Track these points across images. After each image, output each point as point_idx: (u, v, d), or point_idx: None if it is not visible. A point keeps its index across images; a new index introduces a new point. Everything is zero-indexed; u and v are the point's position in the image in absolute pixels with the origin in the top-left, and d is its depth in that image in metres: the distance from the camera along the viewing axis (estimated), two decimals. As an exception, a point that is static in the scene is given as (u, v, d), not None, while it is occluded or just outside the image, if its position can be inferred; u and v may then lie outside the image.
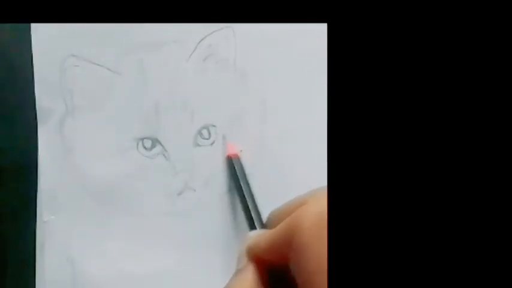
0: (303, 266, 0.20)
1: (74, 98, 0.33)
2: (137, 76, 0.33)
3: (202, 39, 0.34)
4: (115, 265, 0.32)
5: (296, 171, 0.34)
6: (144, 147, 0.33)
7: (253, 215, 0.29)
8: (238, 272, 0.24)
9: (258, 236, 0.24)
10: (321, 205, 0.20)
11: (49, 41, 0.33)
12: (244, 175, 0.32)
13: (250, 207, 0.30)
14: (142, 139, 0.33)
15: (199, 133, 0.33)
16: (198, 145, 0.33)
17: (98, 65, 0.33)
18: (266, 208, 0.31)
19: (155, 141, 0.33)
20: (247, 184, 0.31)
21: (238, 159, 0.32)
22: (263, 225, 0.28)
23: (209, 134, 0.33)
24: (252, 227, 0.29)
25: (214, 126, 0.33)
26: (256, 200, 0.31)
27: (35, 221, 0.33)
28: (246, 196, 0.30)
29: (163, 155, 0.33)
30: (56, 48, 0.33)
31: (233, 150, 0.33)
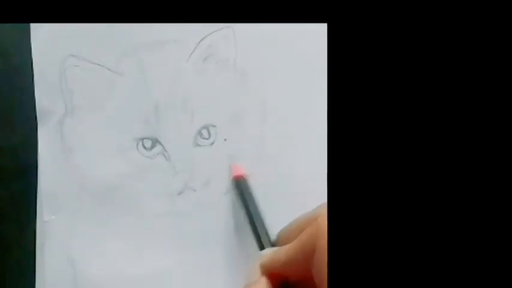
0: (326, 270, 0.20)
1: (74, 98, 0.33)
2: (137, 76, 0.33)
3: (202, 39, 0.34)
4: (115, 265, 0.32)
5: (296, 171, 0.34)
6: (144, 147, 0.33)
7: (261, 236, 0.29)
8: (249, 285, 0.24)
9: (274, 252, 0.25)
10: None
11: (49, 41, 0.33)
12: (252, 196, 0.31)
13: (259, 228, 0.30)
14: (142, 139, 0.33)
15: (199, 133, 0.33)
16: (198, 145, 0.33)
17: (98, 65, 0.33)
18: (266, 209, 0.31)
19: (155, 141, 0.33)
20: (255, 205, 0.31)
21: (244, 180, 0.32)
22: (273, 245, 0.28)
23: (209, 134, 0.33)
24: (262, 247, 0.29)
25: (214, 126, 0.33)
26: (259, 205, 0.31)
27: (35, 221, 0.33)
28: (254, 218, 0.30)
29: (163, 155, 0.33)
30: (56, 48, 0.33)
31: (238, 171, 0.32)
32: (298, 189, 0.33)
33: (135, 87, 0.33)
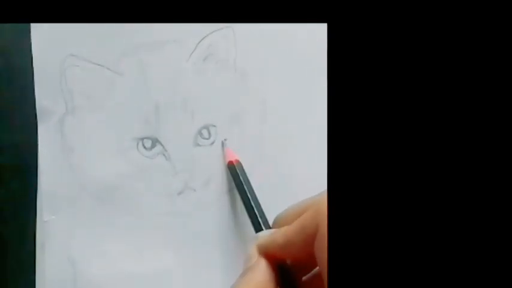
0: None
1: (74, 97, 0.33)
2: (137, 76, 0.33)
3: (202, 39, 0.34)
4: (115, 265, 0.32)
5: (296, 171, 0.34)
6: (144, 147, 0.33)
7: (259, 217, 0.29)
8: (248, 269, 0.24)
9: (271, 234, 0.25)
10: None
11: (49, 41, 0.33)
12: (247, 179, 0.32)
13: (255, 210, 0.30)
14: (142, 139, 0.33)
15: (199, 133, 0.33)
16: (198, 145, 0.33)
17: (98, 65, 0.33)
18: (266, 208, 0.31)
19: (155, 141, 0.33)
20: (251, 188, 0.31)
21: (239, 164, 0.32)
22: (269, 227, 0.28)
23: (209, 134, 0.33)
24: (258, 229, 0.29)
25: (214, 126, 0.33)
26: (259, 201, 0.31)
27: (35, 221, 0.33)
28: (251, 200, 0.30)
29: (163, 155, 0.33)
30: (56, 48, 0.33)
31: (232, 156, 0.33)
32: (298, 189, 0.33)
33: (135, 87, 0.33)
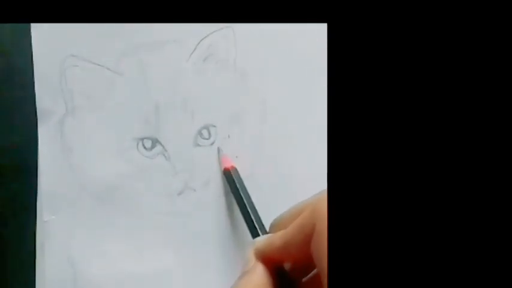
0: (325, 249, 0.20)
1: (74, 98, 0.33)
2: (137, 76, 0.33)
3: (202, 39, 0.34)
4: (115, 265, 0.32)
5: (296, 171, 0.34)
6: (144, 147, 0.33)
7: (255, 223, 0.29)
8: (245, 272, 0.24)
9: (268, 238, 0.25)
10: None
11: (49, 41, 0.33)
12: (243, 185, 0.32)
13: (252, 215, 0.30)
14: (142, 139, 0.33)
15: (199, 133, 0.33)
16: (198, 145, 0.33)
17: (98, 65, 0.33)
18: (266, 208, 0.31)
19: (155, 141, 0.33)
20: (247, 194, 0.31)
21: (235, 170, 0.32)
22: (266, 233, 0.28)
23: (209, 134, 0.33)
24: (255, 235, 0.29)
25: (214, 126, 0.33)
26: (255, 203, 0.31)
27: (35, 221, 0.33)
28: (247, 206, 0.31)
29: (163, 155, 0.33)
30: (56, 48, 0.33)
31: (228, 162, 0.33)
32: (298, 189, 0.33)
33: (135, 87, 0.33)
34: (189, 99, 0.33)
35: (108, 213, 0.33)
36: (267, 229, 0.28)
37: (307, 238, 0.22)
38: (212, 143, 0.33)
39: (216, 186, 0.33)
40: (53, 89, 0.33)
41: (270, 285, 0.24)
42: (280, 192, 0.33)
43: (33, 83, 0.33)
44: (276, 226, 0.26)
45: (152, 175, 0.33)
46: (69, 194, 0.33)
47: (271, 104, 0.34)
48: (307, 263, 0.23)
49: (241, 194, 0.31)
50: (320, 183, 0.32)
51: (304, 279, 0.25)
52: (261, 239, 0.26)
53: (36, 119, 0.33)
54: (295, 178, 0.34)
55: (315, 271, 0.25)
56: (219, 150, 0.33)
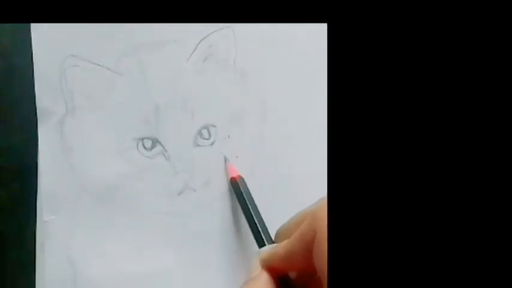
0: (326, 254, 0.20)
1: (74, 98, 0.33)
2: (137, 76, 0.33)
3: (202, 39, 0.34)
4: (115, 265, 0.32)
5: (296, 171, 0.34)
6: (144, 147, 0.33)
7: (262, 233, 0.30)
8: (250, 280, 0.25)
9: (273, 247, 0.26)
10: None
11: (49, 41, 0.33)
12: (250, 195, 0.32)
13: (258, 226, 0.30)
14: (142, 139, 0.33)
15: (199, 133, 0.33)
16: (198, 145, 0.33)
17: (98, 65, 0.33)
18: (266, 208, 0.31)
19: (155, 141, 0.33)
20: (254, 204, 0.31)
21: (241, 179, 0.32)
22: (272, 242, 0.28)
23: (209, 134, 0.33)
24: (261, 244, 0.29)
25: (214, 126, 0.33)
26: (255, 203, 0.31)
27: (35, 221, 0.33)
28: (253, 216, 0.31)
29: (163, 155, 0.33)
30: (56, 48, 0.33)
31: (235, 172, 0.33)
32: (298, 189, 0.33)
33: (135, 87, 0.33)
34: (189, 99, 0.33)
35: (108, 213, 0.33)
36: (273, 238, 0.28)
37: (308, 247, 0.22)
38: (212, 143, 0.33)
39: (216, 186, 0.33)
40: (53, 89, 0.33)
41: None
42: (280, 192, 0.33)
43: (33, 83, 0.33)
44: (281, 235, 0.26)
45: (152, 175, 0.33)
46: (69, 194, 0.33)
47: (271, 104, 0.34)
48: (310, 271, 0.23)
49: (248, 204, 0.31)
50: (320, 183, 0.32)
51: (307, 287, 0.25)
52: (266, 249, 0.26)
53: (36, 119, 0.33)
54: (295, 178, 0.34)
55: (316, 277, 0.25)
56: (225, 159, 0.33)
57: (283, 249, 0.24)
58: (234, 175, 0.33)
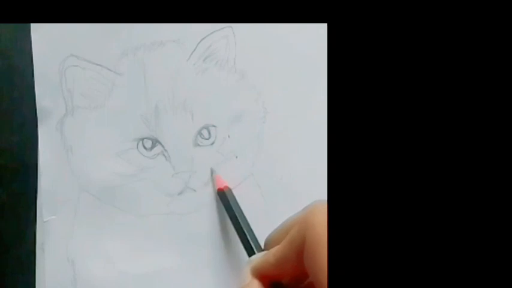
0: (317, 259, 0.20)
1: (74, 97, 0.33)
2: (137, 76, 0.33)
3: (202, 39, 0.34)
4: (115, 265, 0.32)
5: (296, 171, 0.34)
6: (144, 147, 0.33)
7: (251, 242, 0.29)
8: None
9: (263, 255, 0.25)
10: None
11: (49, 41, 0.33)
12: (237, 205, 0.32)
13: (247, 234, 0.30)
14: (142, 139, 0.33)
15: (199, 133, 0.33)
16: (198, 145, 0.33)
17: (98, 65, 0.33)
18: (266, 209, 0.31)
19: (155, 141, 0.33)
20: (242, 213, 0.31)
21: (229, 190, 0.32)
22: (262, 251, 0.28)
23: (209, 134, 0.33)
24: (251, 253, 0.29)
25: (214, 126, 0.33)
26: (255, 203, 0.31)
27: (35, 221, 0.33)
28: (242, 225, 0.30)
29: (163, 155, 0.33)
30: (56, 48, 0.33)
31: (222, 183, 0.33)
32: (298, 189, 0.33)
33: (135, 87, 0.33)
34: (189, 99, 0.33)
35: (108, 213, 0.33)
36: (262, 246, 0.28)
37: (299, 252, 0.22)
38: (212, 143, 0.33)
39: (216, 186, 0.33)
40: (53, 89, 0.33)
41: None
42: (280, 192, 0.33)
43: (33, 83, 0.33)
44: (269, 243, 0.26)
45: (152, 175, 0.33)
46: (69, 194, 0.33)
47: (271, 104, 0.34)
48: (302, 276, 0.23)
49: (236, 214, 0.31)
50: (320, 183, 0.32)
51: None
52: (256, 257, 0.26)
53: (36, 119, 0.33)
54: (295, 178, 0.34)
55: (307, 282, 0.25)
56: (212, 170, 0.33)
57: (274, 256, 0.24)
58: (221, 186, 0.32)
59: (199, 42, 0.34)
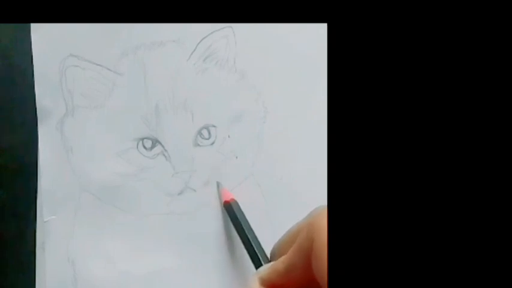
0: (325, 262, 0.20)
1: (74, 97, 0.33)
2: (137, 76, 0.33)
3: (202, 39, 0.34)
4: (115, 265, 0.32)
5: (296, 172, 0.34)
6: (144, 147, 0.33)
7: (258, 253, 0.29)
8: None
9: (271, 265, 0.25)
10: None
11: (49, 41, 0.33)
12: (244, 217, 0.32)
13: (254, 247, 0.30)
14: (142, 139, 0.33)
15: (199, 133, 0.33)
16: (198, 145, 0.33)
17: (98, 65, 0.33)
18: (266, 209, 0.31)
19: (155, 141, 0.33)
20: (248, 225, 0.31)
21: (235, 203, 0.32)
22: (269, 262, 0.28)
23: (209, 134, 0.33)
24: (258, 265, 0.29)
25: (214, 126, 0.33)
26: (255, 203, 0.31)
27: (35, 221, 0.33)
28: (249, 237, 0.30)
29: (163, 155, 0.33)
30: (56, 48, 0.33)
31: (228, 195, 0.33)
32: (298, 189, 0.33)
33: (135, 87, 0.33)
34: (189, 99, 0.33)
35: (108, 213, 0.33)
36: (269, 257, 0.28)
37: (307, 258, 0.22)
38: (212, 143, 0.33)
39: (216, 186, 0.33)
40: (53, 89, 0.33)
41: None
42: (280, 192, 0.33)
43: (33, 83, 0.33)
44: (276, 252, 0.26)
45: (152, 175, 0.33)
46: (69, 194, 0.33)
47: (271, 104, 0.34)
48: (311, 285, 0.23)
49: (243, 226, 0.31)
50: (320, 183, 0.32)
51: None
52: (264, 268, 0.26)
53: (36, 119, 0.33)
54: (295, 178, 0.34)
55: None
56: (218, 184, 0.33)
57: (282, 264, 0.24)
58: (228, 199, 0.32)
59: (199, 42, 0.34)
